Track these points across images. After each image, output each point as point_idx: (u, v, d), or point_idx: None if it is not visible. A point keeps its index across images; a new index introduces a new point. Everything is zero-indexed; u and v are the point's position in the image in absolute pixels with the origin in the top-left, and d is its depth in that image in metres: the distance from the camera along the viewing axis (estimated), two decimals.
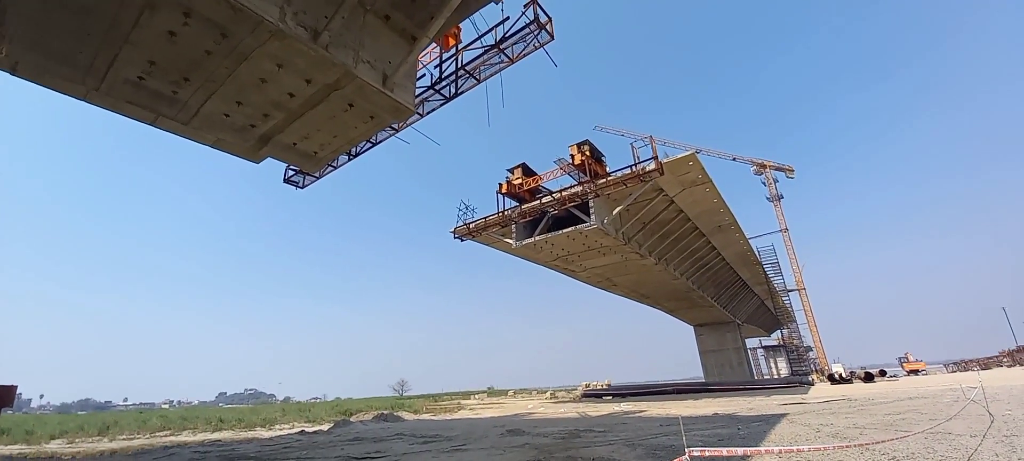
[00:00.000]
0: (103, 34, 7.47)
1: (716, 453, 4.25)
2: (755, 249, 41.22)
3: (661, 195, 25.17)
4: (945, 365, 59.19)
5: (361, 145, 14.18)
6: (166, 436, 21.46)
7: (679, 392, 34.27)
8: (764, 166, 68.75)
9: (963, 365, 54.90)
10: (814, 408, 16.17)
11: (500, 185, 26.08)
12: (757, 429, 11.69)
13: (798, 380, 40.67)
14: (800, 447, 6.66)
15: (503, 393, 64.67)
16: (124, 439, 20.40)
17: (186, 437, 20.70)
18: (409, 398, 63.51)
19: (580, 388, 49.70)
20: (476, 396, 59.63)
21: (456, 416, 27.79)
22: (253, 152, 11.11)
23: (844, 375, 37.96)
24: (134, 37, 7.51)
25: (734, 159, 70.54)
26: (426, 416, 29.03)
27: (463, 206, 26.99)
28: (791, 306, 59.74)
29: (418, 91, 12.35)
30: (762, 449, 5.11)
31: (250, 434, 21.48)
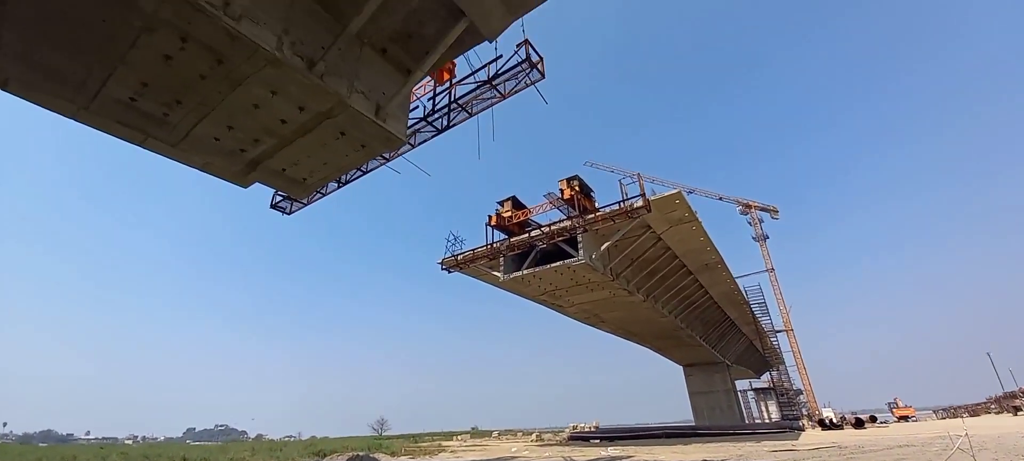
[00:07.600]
0: (97, 52, 7.46)
1: None
2: (742, 288, 41.50)
3: (649, 232, 25.44)
4: (934, 411, 58.99)
5: (351, 173, 14.22)
6: None
7: (668, 436, 33.51)
8: (749, 206, 70.38)
9: (952, 412, 54.90)
10: (804, 455, 15.87)
11: (490, 217, 26.15)
12: None
13: (788, 425, 40.10)
14: None
15: (487, 434, 62.46)
16: None
17: None
18: (388, 438, 60.83)
19: (567, 430, 48.28)
20: (459, 437, 57.45)
21: (436, 459, 26.66)
22: (241, 177, 11.02)
23: (835, 420, 37.62)
24: (130, 58, 7.52)
25: (720, 198, 72.25)
26: (404, 458, 27.79)
27: (452, 237, 26.95)
28: (779, 347, 59.74)
29: (411, 122, 12.51)
30: None
31: None
